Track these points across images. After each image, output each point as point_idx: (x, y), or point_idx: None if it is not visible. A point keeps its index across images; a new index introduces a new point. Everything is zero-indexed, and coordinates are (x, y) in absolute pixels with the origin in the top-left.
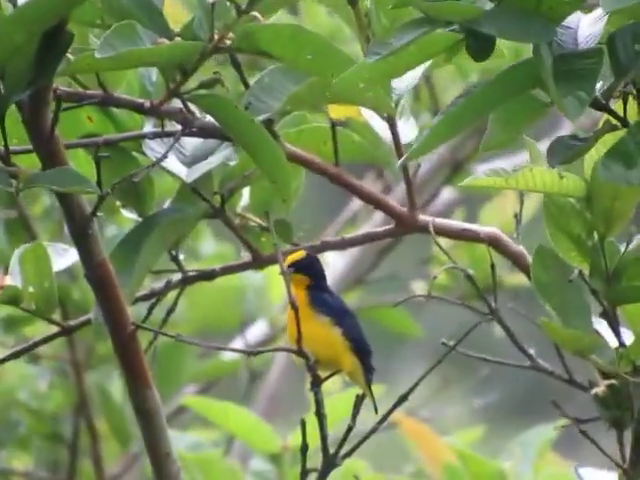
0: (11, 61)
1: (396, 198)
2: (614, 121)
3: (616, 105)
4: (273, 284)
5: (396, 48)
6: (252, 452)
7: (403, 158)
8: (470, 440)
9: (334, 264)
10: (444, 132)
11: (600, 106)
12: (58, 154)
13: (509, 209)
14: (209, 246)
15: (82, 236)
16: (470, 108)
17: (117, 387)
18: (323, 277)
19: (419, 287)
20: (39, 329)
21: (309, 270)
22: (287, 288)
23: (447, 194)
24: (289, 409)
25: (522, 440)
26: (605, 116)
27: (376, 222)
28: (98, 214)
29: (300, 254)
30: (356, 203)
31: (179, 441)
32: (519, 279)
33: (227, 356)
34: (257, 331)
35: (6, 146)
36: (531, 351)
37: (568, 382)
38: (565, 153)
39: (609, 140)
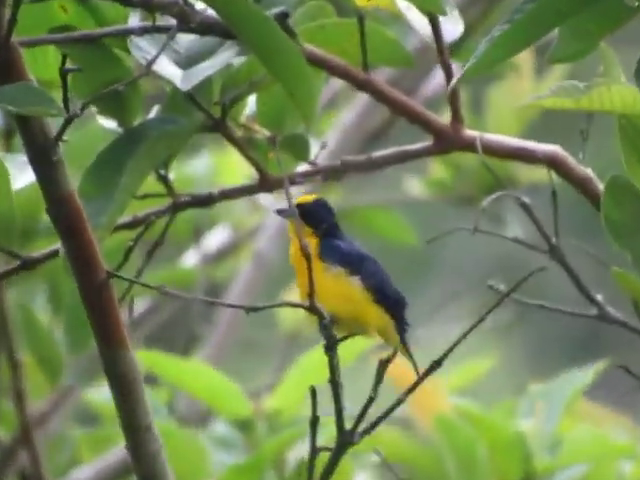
0: None
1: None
2: None
3: None
4: (232, 173)
5: None
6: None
7: (454, 80)
8: (478, 373)
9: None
10: (509, 44)
11: None
12: (16, 65)
13: (525, 90)
14: None
15: (44, 164)
16: (541, 15)
17: (43, 307)
18: (332, 224)
19: (413, 185)
20: None
21: (313, 219)
22: (297, 230)
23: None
24: (253, 332)
25: (547, 390)
26: None
27: (361, 108)
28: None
29: (306, 199)
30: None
31: None
32: (539, 174)
33: (184, 264)
34: (217, 238)
35: None
36: (598, 297)
37: None
38: None
39: None
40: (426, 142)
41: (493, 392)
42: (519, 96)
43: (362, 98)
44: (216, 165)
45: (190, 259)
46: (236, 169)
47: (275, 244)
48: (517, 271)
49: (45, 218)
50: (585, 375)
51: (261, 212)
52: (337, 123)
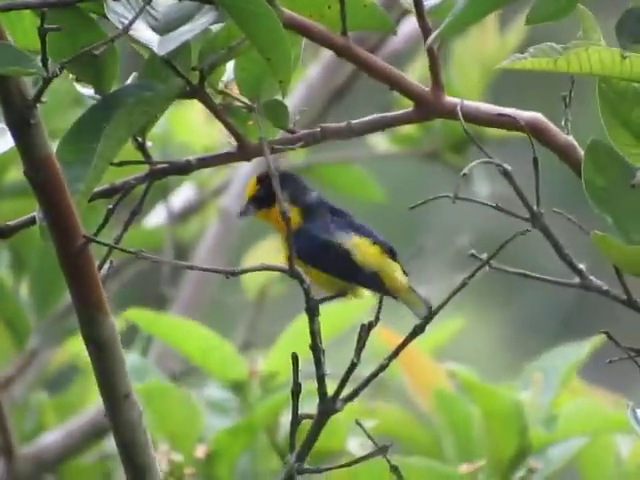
0: None
1: None
2: None
3: None
4: (197, 131)
5: None
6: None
7: (432, 36)
8: (450, 334)
9: None
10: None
11: None
12: None
13: (490, 46)
14: None
15: (22, 126)
16: None
17: (5, 266)
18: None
19: (379, 142)
20: None
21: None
22: (278, 197)
23: (408, 27)
24: (220, 294)
25: (543, 364)
26: None
27: (326, 64)
28: (43, 100)
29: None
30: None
31: None
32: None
33: (150, 223)
34: (183, 197)
35: None
36: (581, 266)
37: (626, 304)
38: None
39: None
40: (406, 109)
41: (481, 369)
42: (484, 53)
43: (327, 53)
44: (171, 117)
45: (156, 218)
46: (191, 121)
47: (241, 201)
48: (492, 231)
49: (9, 178)
50: (580, 349)
51: (227, 170)
52: (303, 79)
